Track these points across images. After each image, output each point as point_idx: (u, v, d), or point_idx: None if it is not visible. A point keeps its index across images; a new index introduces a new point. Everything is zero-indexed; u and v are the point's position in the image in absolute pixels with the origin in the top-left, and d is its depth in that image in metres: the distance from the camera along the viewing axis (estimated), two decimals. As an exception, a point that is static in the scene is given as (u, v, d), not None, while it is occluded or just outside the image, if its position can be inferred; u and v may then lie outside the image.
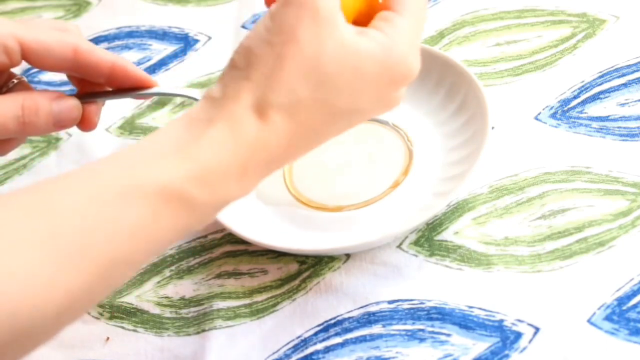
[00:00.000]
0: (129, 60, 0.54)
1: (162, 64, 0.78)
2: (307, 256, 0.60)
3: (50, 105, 0.52)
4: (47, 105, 0.52)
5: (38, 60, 0.52)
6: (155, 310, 0.60)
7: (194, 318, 0.59)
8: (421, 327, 0.54)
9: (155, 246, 0.42)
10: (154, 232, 0.41)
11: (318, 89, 0.44)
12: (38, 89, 0.55)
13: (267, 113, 0.43)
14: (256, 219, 0.62)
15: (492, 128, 0.61)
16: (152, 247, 0.42)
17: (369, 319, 0.56)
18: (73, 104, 0.53)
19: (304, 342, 0.56)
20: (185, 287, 0.61)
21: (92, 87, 0.55)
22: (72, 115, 0.52)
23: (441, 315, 0.55)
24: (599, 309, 0.53)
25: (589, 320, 0.52)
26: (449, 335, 0.54)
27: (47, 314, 0.38)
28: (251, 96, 0.43)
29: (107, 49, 0.80)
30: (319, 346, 0.55)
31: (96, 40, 0.81)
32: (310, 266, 0.60)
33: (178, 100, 0.74)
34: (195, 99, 0.56)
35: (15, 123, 0.51)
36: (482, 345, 0.53)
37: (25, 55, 0.51)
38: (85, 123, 0.54)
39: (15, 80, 0.54)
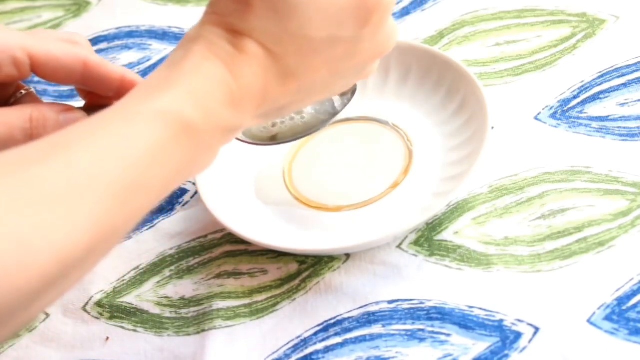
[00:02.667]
0: (137, 74, 0.54)
1: (162, 63, 0.78)
2: (307, 256, 0.60)
3: (58, 117, 0.51)
4: (55, 117, 0.51)
5: (47, 73, 0.51)
6: (155, 310, 0.60)
7: (193, 318, 0.59)
8: (421, 327, 0.54)
9: (168, 173, 0.42)
10: (163, 158, 0.41)
11: (287, 21, 0.44)
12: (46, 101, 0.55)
13: (240, 42, 0.44)
14: (256, 219, 0.62)
15: (492, 128, 0.61)
16: (165, 173, 0.42)
17: (368, 319, 0.55)
18: (81, 117, 0.52)
19: (304, 342, 0.56)
20: (185, 287, 0.61)
21: (101, 100, 0.54)
22: None
23: (441, 315, 0.55)
24: (598, 308, 0.53)
25: (588, 320, 0.52)
26: (448, 335, 0.54)
27: (79, 243, 0.38)
28: (224, 27, 0.44)
29: (107, 49, 0.80)
30: (319, 346, 0.55)
31: (96, 40, 0.81)
32: (310, 266, 0.60)
33: None
34: None
35: (23, 135, 0.51)
36: (482, 345, 0.53)
37: (35, 67, 0.51)
38: None
39: (24, 92, 0.54)
